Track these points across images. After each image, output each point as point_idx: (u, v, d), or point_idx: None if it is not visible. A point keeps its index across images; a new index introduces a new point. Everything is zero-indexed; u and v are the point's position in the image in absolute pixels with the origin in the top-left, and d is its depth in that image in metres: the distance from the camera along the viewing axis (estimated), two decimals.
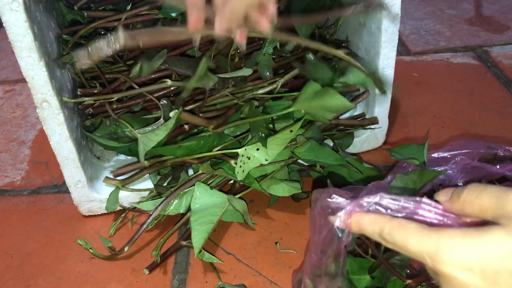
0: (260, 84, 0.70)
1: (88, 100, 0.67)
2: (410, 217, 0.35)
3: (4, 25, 0.53)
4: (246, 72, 0.68)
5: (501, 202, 0.31)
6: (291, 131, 0.60)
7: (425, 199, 0.35)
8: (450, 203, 0.35)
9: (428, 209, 0.35)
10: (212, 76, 0.66)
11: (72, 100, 0.64)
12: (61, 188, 0.77)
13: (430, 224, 0.34)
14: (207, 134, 0.65)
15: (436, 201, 0.35)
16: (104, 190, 0.68)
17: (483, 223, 0.32)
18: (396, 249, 0.34)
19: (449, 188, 0.35)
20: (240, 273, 0.61)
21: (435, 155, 0.53)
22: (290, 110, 0.61)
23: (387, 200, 0.35)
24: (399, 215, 0.35)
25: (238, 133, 0.67)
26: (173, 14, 0.67)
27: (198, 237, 0.59)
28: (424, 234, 0.32)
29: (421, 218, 0.35)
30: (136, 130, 0.64)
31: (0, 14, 0.52)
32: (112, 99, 0.67)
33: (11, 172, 0.82)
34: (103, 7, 0.76)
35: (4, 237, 0.69)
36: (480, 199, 0.32)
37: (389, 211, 0.35)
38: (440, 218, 0.35)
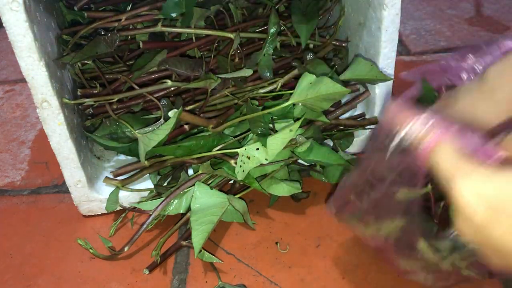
0: (260, 84, 0.70)
1: (88, 101, 0.67)
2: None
3: (4, 25, 0.53)
4: (247, 72, 0.68)
5: None
6: (290, 130, 0.60)
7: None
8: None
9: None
10: (214, 77, 0.66)
11: (72, 102, 0.64)
12: (61, 188, 0.77)
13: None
14: (207, 134, 0.66)
15: None
16: (104, 190, 0.68)
17: None
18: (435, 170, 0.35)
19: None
20: (240, 273, 0.61)
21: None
22: (287, 104, 0.61)
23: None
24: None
25: (238, 133, 0.67)
26: (173, 14, 0.67)
27: (198, 237, 0.59)
28: (455, 157, 0.33)
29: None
30: (136, 130, 0.64)
31: (0, 14, 0.52)
32: (113, 100, 0.67)
33: (11, 172, 0.82)
34: (103, 8, 0.76)
35: (4, 237, 0.69)
36: None
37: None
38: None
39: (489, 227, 0.31)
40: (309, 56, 0.70)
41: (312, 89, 0.59)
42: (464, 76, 0.48)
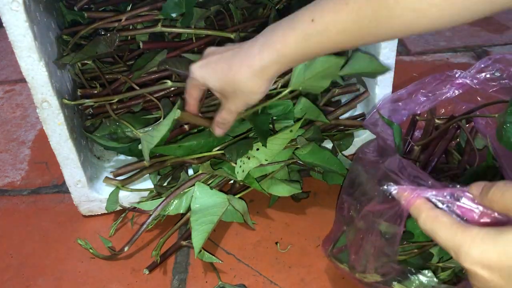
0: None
1: (88, 102, 0.67)
2: (452, 203, 0.38)
3: (4, 25, 0.53)
4: None
5: None
6: (291, 131, 0.60)
7: (464, 195, 0.37)
8: (480, 198, 0.36)
9: (465, 202, 0.38)
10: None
11: (72, 102, 0.63)
12: (61, 188, 0.77)
13: (467, 214, 0.37)
14: (207, 134, 0.65)
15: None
16: (104, 190, 0.68)
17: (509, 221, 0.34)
18: (430, 237, 0.37)
19: (481, 182, 0.37)
20: (240, 273, 0.61)
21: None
22: (286, 91, 0.60)
23: (430, 193, 0.39)
24: (442, 205, 0.38)
25: (238, 133, 0.67)
26: (174, 14, 0.67)
27: (198, 237, 0.59)
28: (452, 230, 0.34)
29: (461, 205, 0.38)
30: (137, 130, 0.64)
31: (0, 14, 0.52)
32: (113, 101, 0.67)
33: (11, 172, 0.82)
34: (103, 8, 0.76)
35: (4, 237, 0.69)
36: (504, 198, 0.34)
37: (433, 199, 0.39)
38: (476, 209, 0.37)
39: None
40: None
41: (308, 70, 0.58)
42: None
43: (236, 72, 0.49)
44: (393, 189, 0.42)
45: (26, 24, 0.53)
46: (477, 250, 0.32)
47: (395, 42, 0.65)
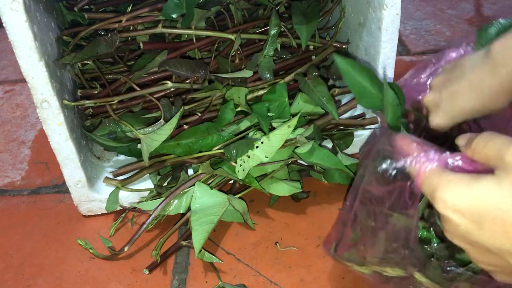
0: (260, 85, 0.70)
1: (89, 103, 0.66)
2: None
3: (4, 25, 0.53)
4: (247, 74, 0.68)
5: (500, 154, 0.33)
6: (288, 126, 0.61)
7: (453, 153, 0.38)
8: (465, 148, 0.37)
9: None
10: (219, 86, 0.66)
11: (72, 104, 0.63)
12: (61, 188, 0.77)
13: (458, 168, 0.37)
14: (204, 129, 0.65)
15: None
16: (104, 190, 0.68)
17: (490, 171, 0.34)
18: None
19: (468, 134, 0.37)
20: (240, 273, 0.61)
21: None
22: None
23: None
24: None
25: (238, 132, 0.67)
26: (174, 15, 0.67)
27: (198, 237, 0.59)
28: (429, 173, 0.36)
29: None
30: (137, 130, 0.64)
31: (0, 14, 0.52)
32: (113, 102, 0.67)
33: (11, 172, 0.82)
34: (103, 9, 0.75)
35: (4, 237, 0.69)
36: (486, 149, 0.35)
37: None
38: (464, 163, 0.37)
39: (474, 234, 0.33)
40: (314, 74, 0.69)
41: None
42: (421, 93, 0.52)
43: None
44: (390, 163, 0.41)
45: (26, 24, 0.53)
46: (450, 194, 0.34)
47: (395, 42, 0.65)
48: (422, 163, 0.38)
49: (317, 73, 0.68)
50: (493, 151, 0.34)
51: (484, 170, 0.35)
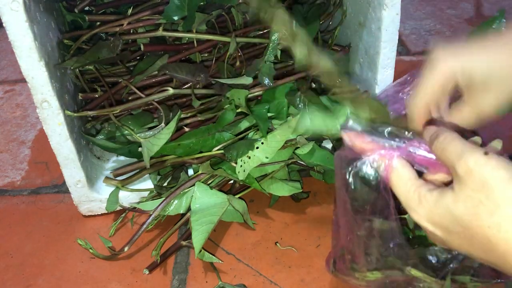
0: (259, 91, 0.70)
1: (91, 113, 0.66)
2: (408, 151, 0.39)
3: (4, 25, 0.53)
4: (246, 80, 0.67)
5: (457, 163, 0.34)
6: (289, 126, 0.61)
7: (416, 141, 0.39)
8: (429, 144, 0.38)
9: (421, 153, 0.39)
10: (226, 102, 0.66)
11: (75, 114, 0.63)
12: (61, 188, 0.77)
13: (424, 163, 0.39)
14: (204, 130, 0.65)
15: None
16: (104, 190, 0.68)
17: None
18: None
19: (433, 128, 0.38)
20: (240, 273, 0.61)
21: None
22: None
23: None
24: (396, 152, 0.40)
25: (238, 132, 0.67)
26: (175, 18, 0.67)
27: (198, 237, 0.59)
28: (406, 186, 0.38)
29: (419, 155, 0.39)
30: (138, 134, 0.64)
31: (0, 14, 0.52)
32: (115, 111, 0.66)
33: (11, 172, 0.82)
34: (103, 10, 0.75)
35: (4, 237, 0.69)
36: (444, 153, 0.35)
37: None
38: (427, 156, 0.39)
39: (448, 241, 0.36)
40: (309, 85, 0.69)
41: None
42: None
43: None
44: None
45: (26, 24, 0.53)
46: (422, 209, 0.36)
47: (395, 42, 0.65)
48: (386, 158, 0.39)
49: (309, 85, 0.68)
50: (449, 158, 0.35)
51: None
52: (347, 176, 0.43)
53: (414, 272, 0.49)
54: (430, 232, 0.37)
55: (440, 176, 0.39)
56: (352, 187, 0.43)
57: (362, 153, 0.41)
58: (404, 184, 0.38)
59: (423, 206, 0.36)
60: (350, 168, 0.42)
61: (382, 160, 0.40)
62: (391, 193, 0.41)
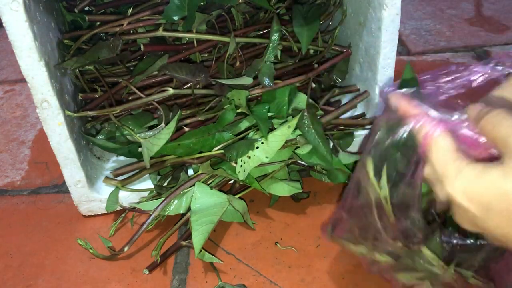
0: (259, 91, 0.70)
1: (92, 113, 0.66)
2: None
3: (4, 25, 0.53)
4: (246, 81, 0.67)
5: (508, 141, 0.33)
6: (289, 127, 0.60)
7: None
8: (475, 122, 0.36)
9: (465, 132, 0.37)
10: (227, 102, 0.66)
11: (75, 114, 0.63)
12: (61, 188, 0.77)
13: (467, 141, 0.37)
14: (204, 130, 0.65)
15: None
16: (104, 190, 0.68)
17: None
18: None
19: (478, 105, 0.37)
20: (240, 273, 0.61)
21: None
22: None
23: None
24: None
25: (238, 132, 0.67)
26: (175, 18, 0.67)
27: (198, 237, 0.59)
28: (445, 157, 0.36)
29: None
30: (138, 134, 0.64)
31: (0, 14, 0.52)
32: (115, 112, 0.66)
33: (11, 172, 0.82)
34: (103, 10, 0.75)
35: (4, 237, 0.69)
36: (494, 131, 0.34)
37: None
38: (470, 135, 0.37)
39: (482, 221, 0.34)
40: (313, 111, 0.68)
41: None
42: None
43: None
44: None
45: (26, 24, 0.53)
46: (460, 183, 0.35)
47: (395, 42, 0.65)
48: (428, 127, 0.38)
49: (316, 110, 0.67)
50: (501, 136, 0.34)
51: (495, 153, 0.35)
52: (382, 137, 0.41)
53: (425, 251, 0.48)
54: (463, 209, 0.35)
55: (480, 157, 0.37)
56: (384, 148, 0.42)
57: (405, 116, 0.39)
58: (444, 154, 0.36)
59: (462, 179, 0.35)
60: (387, 130, 0.41)
61: (424, 126, 0.38)
62: (422, 162, 0.39)
